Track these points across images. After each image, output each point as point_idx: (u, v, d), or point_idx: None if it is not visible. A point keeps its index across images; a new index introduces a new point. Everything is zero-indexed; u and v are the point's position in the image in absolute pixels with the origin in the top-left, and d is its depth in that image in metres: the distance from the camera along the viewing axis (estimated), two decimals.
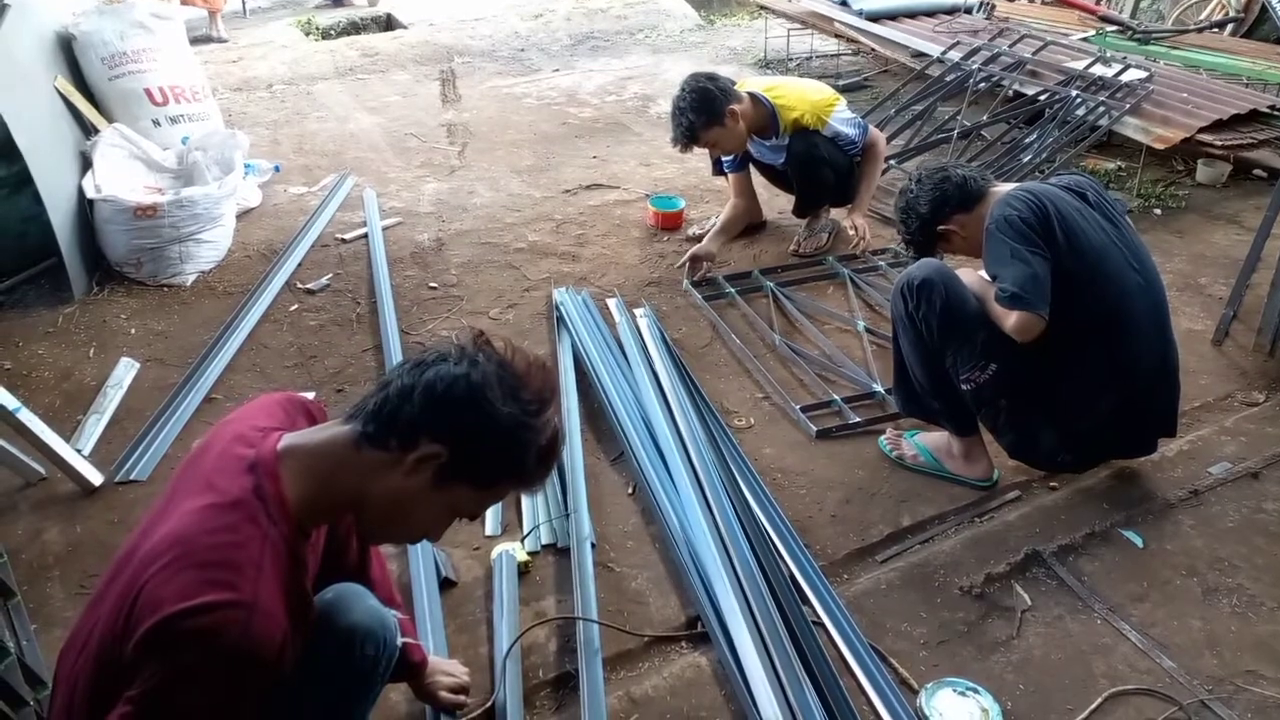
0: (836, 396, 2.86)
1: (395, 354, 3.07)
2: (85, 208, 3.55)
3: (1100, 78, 4.54)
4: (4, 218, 3.51)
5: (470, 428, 1.26)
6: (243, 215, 4.12)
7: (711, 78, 3.49)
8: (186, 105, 4.30)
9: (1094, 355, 2.28)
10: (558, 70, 6.50)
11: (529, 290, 3.58)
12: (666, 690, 1.94)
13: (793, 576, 2.20)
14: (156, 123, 4.19)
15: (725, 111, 3.44)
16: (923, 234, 2.43)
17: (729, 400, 2.91)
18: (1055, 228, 2.21)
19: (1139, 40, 5.49)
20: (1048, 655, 2.02)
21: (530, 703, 1.92)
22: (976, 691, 1.90)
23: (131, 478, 2.57)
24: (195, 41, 5.73)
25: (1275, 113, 4.24)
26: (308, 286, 3.59)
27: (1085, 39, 5.42)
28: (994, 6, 6.00)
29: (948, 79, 4.92)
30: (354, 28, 8.11)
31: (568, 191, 4.48)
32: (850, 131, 3.64)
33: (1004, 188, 2.37)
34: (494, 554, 2.26)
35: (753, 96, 3.56)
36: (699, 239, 3.82)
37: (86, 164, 3.69)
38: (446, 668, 1.88)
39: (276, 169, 4.64)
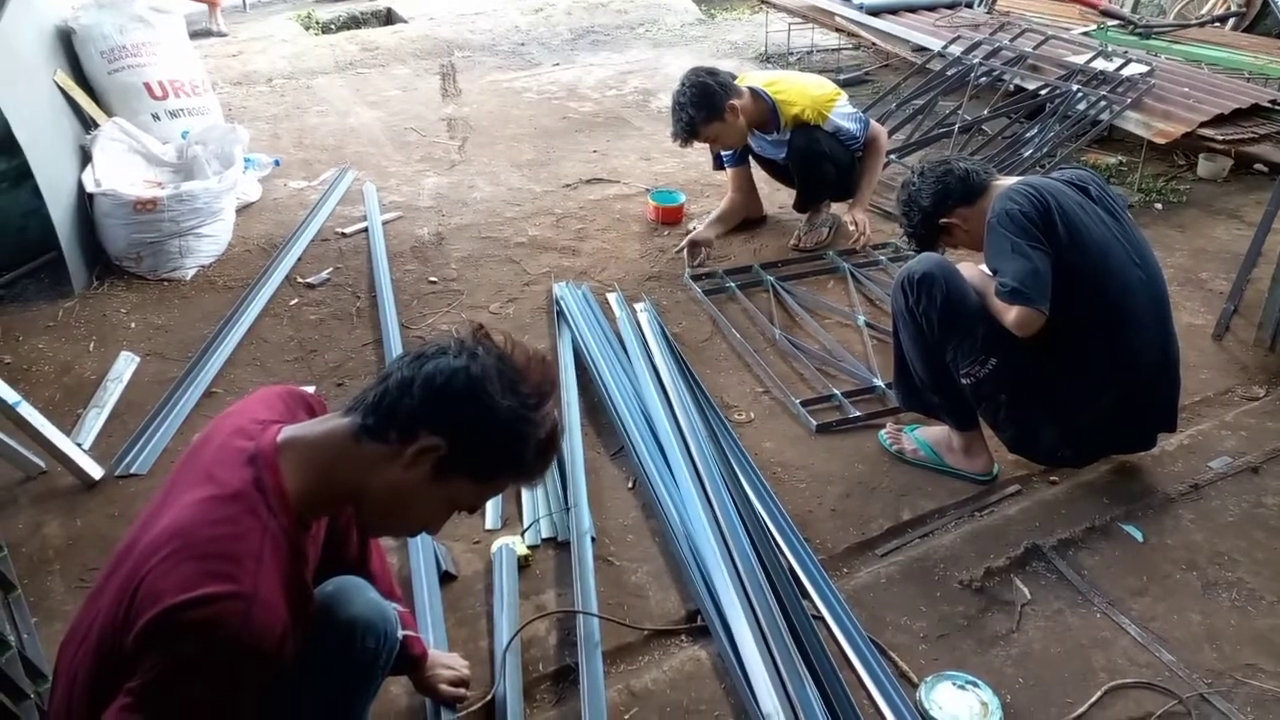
0: (837, 391, 2.86)
1: (395, 348, 3.07)
2: (85, 202, 3.55)
3: (1101, 72, 4.54)
4: (4, 212, 3.50)
5: (469, 421, 1.26)
6: (242, 209, 4.11)
7: (711, 72, 3.49)
8: (186, 99, 4.30)
9: (1095, 350, 2.28)
10: (558, 65, 6.49)
11: (529, 285, 3.57)
12: (666, 683, 1.94)
13: (792, 570, 2.20)
14: (156, 117, 4.18)
15: (725, 106, 3.44)
16: (924, 227, 2.43)
17: (729, 394, 2.91)
18: (1057, 222, 2.21)
19: (1140, 34, 5.48)
20: (1047, 649, 2.02)
21: (530, 696, 1.92)
22: (976, 685, 1.90)
23: (132, 471, 2.57)
24: (195, 35, 5.72)
25: (1276, 107, 4.24)
26: (308, 281, 3.59)
27: (1086, 33, 5.41)
28: (995, 1, 5.99)
29: (949, 73, 4.91)
30: (354, 22, 8.09)
31: (568, 186, 4.48)
32: (851, 126, 3.64)
33: (1006, 181, 2.37)
34: (494, 548, 2.26)
35: (753, 91, 3.55)
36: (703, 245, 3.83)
37: (86, 158, 3.68)
38: (446, 661, 1.88)
39: (276, 163, 4.64)
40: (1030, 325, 2.18)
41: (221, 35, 7.20)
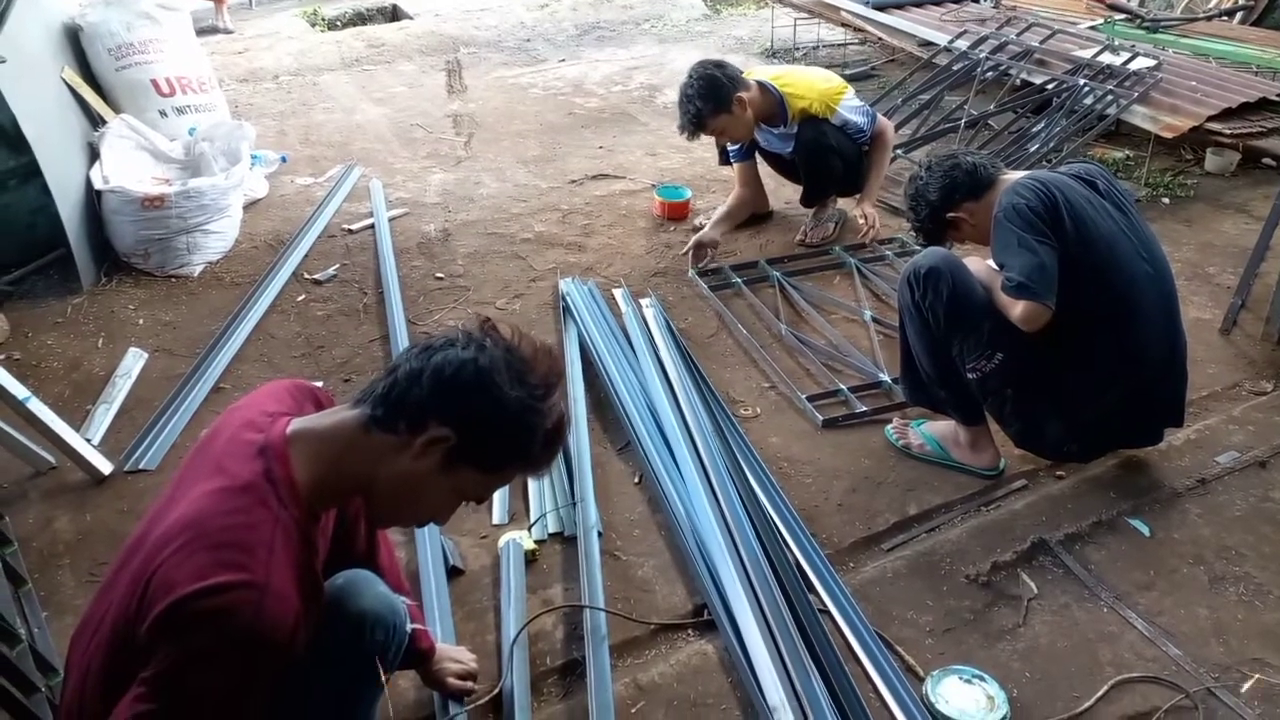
0: (843, 386, 2.86)
1: (402, 344, 3.08)
2: (93, 199, 3.56)
3: (1108, 66, 4.52)
4: (13, 209, 3.52)
5: (478, 411, 1.27)
6: (249, 206, 4.13)
7: (719, 65, 3.49)
8: (193, 96, 4.31)
9: (1101, 345, 2.28)
10: (564, 60, 6.49)
11: (535, 280, 3.58)
12: (673, 677, 1.95)
13: (799, 565, 2.20)
14: (163, 113, 4.19)
15: (733, 99, 3.43)
16: (932, 221, 2.42)
17: (735, 390, 2.91)
18: (1064, 216, 2.20)
19: (1147, 28, 5.46)
20: (1054, 643, 2.02)
21: (537, 689, 1.93)
22: (983, 679, 1.90)
23: (140, 467, 2.58)
24: (201, 33, 5.74)
25: None
26: (315, 277, 3.60)
27: (1093, 27, 5.39)
28: None
29: (955, 68, 4.90)
30: (360, 18, 8.09)
31: (574, 182, 4.48)
32: (859, 120, 3.64)
33: (1013, 175, 2.37)
34: (501, 542, 2.27)
35: (760, 85, 3.55)
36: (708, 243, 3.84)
37: (94, 155, 3.70)
38: (454, 654, 1.89)
39: (283, 160, 4.65)
40: (1036, 320, 2.18)
41: (228, 32, 7.21)
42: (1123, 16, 5.69)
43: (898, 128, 4.47)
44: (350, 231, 3.97)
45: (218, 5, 7.29)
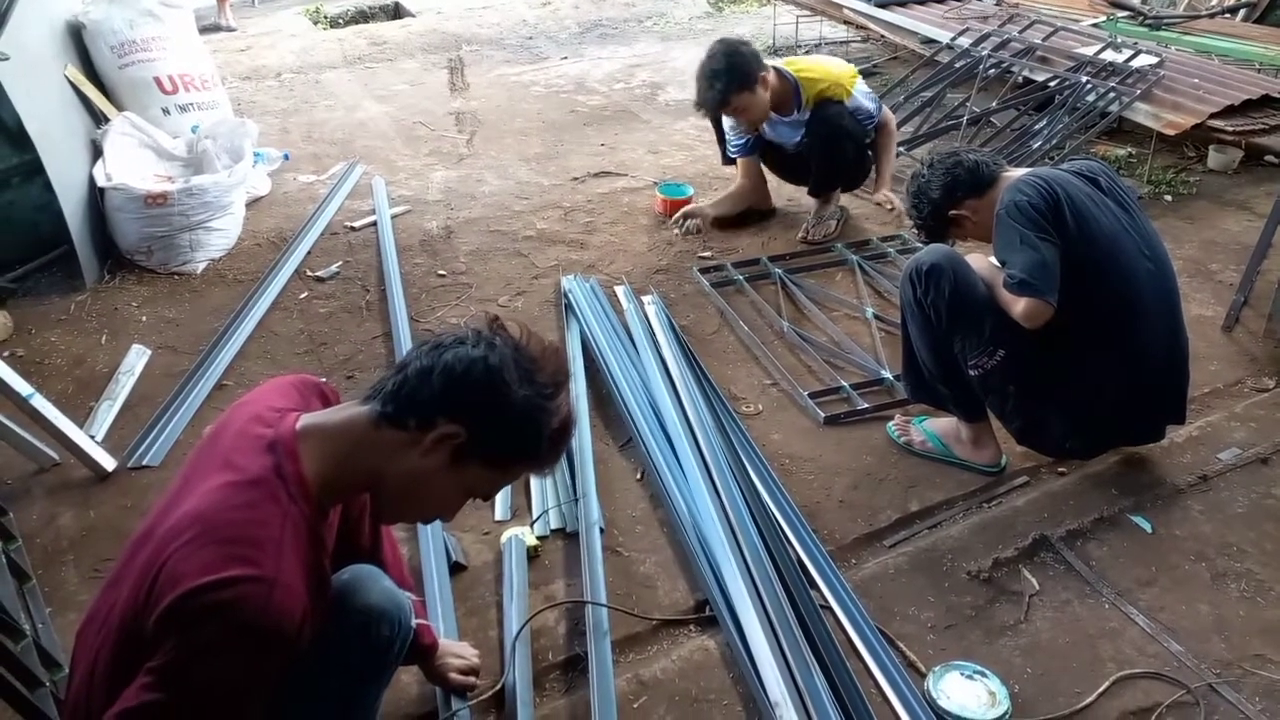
0: (845, 383, 2.86)
1: (405, 341, 3.09)
2: (96, 196, 3.57)
3: (1111, 63, 4.52)
4: (16, 206, 3.53)
5: (488, 409, 1.28)
6: (252, 203, 4.14)
7: (743, 42, 3.49)
8: (196, 94, 4.31)
9: (1103, 342, 2.28)
10: (566, 58, 6.49)
11: (537, 278, 3.58)
12: (675, 673, 1.95)
13: (800, 561, 2.20)
14: (166, 111, 4.20)
15: (757, 77, 3.43)
16: (934, 219, 2.42)
17: (737, 386, 2.92)
18: (1066, 213, 2.20)
19: (1150, 26, 5.45)
20: (1055, 639, 2.03)
21: (540, 684, 1.94)
22: (984, 675, 1.90)
23: (144, 463, 2.59)
24: (204, 30, 5.74)
25: None
26: (317, 274, 3.61)
27: (1096, 24, 5.38)
28: None
29: (957, 65, 4.90)
30: (362, 16, 8.10)
31: (576, 179, 4.48)
32: (869, 105, 3.69)
33: (1016, 173, 2.37)
34: (503, 538, 2.27)
35: (776, 70, 3.55)
36: (698, 227, 3.88)
37: (97, 152, 3.70)
38: (457, 650, 1.90)
39: (285, 157, 4.66)
40: (1038, 317, 2.18)
41: (230, 30, 7.22)
42: (1125, 14, 5.68)
43: (900, 125, 4.48)
44: (352, 229, 3.97)
45: (220, 3, 7.30)
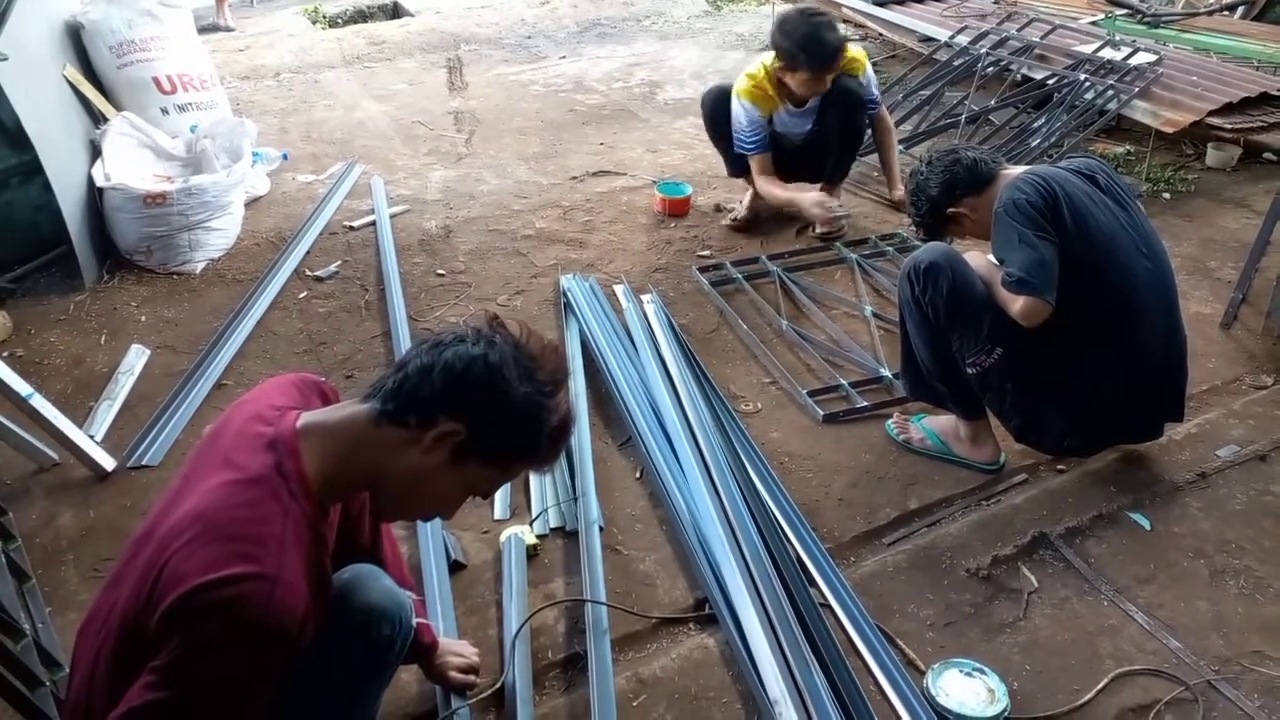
0: (843, 381, 2.86)
1: (404, 341, 3.09)
2: (95, 196, 3.57)
3: (1109, 61, 4.52)
4: (15, 206, 3.52)
5: (488, 407, 1.29)
6: (251, 203, 4.13)
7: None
8: (194, 94, 4.31)
9: (1101, 340, 2.28)
10: (564, 57, 6.49)
11: (536, 277, 3.58)
12: (675, 671, 1.96)
13: (800, 559, 2.21)
14: (165, 111, 4.19)
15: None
16: (932, 216, 2.42)
17: (736, 385, 2.92)
18: (1064, 211, 2.20)
19: (1148, 23, 5.45)
20: (1054, 636, 2.03)
21: (539, 683, 1.94)
22: (983, 672, 1.91)
23: (144, 463, 2.59)
24: (202, 30, 5.73)
25: None
26: (316, 274, 3.61)
27: (1094, 23, 5.39)
28: None
29: (956, 63, 4.90)
30: (361, 16, 8.09)
31: (575, 178, 4.48)
32: (875, 91, 3.73)
33: (1014, 170, 2.37)
34: (503, 537, 2.28)
35: None
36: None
37: (96, 152, 3.70)
38: (456, 648, 1.90)
39: (284, 157, 4.65)
40: (1036, 315, 2.18)
41: (229, 30, 7.21)
42: (1123, 11, 5.68)
43: (899, 123, 4.49)
44: (351, 228, 3.97)
45: (219, 3, 7.29)
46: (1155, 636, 2.01)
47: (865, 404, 2.78)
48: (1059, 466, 2.53)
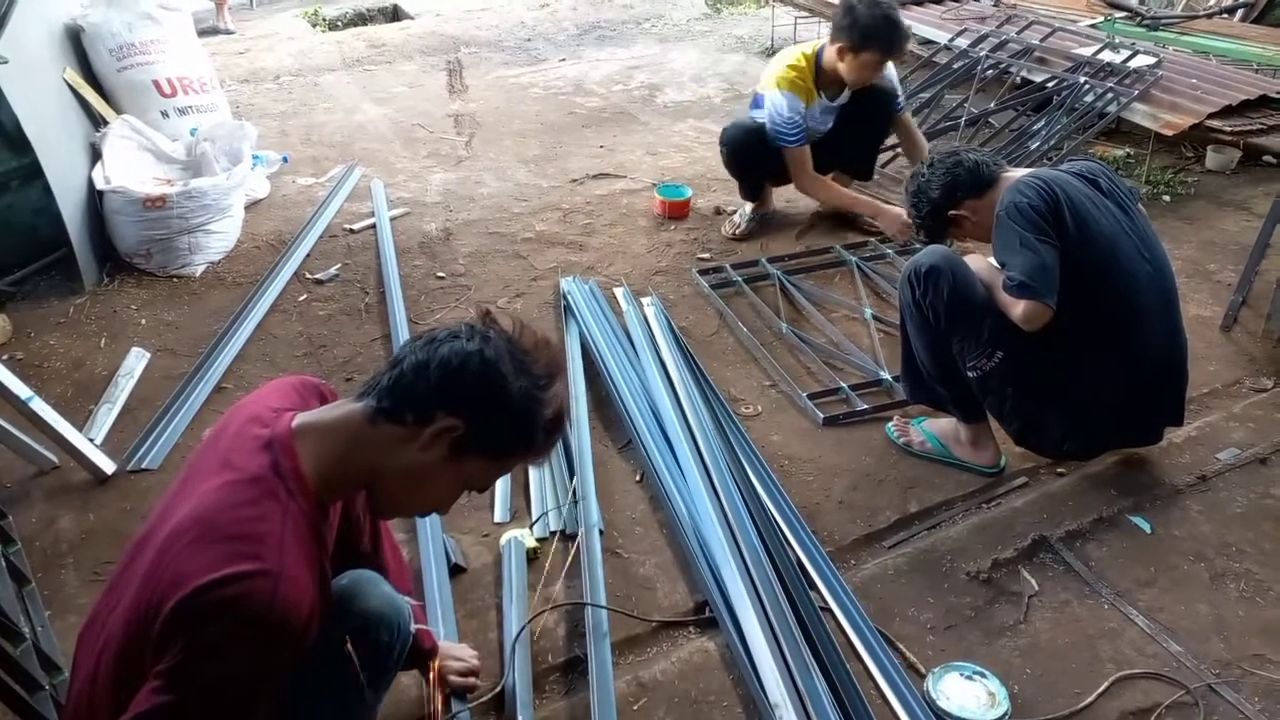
0: (844, 384, 2.86)
1: None
2: (95, 199, 3.57)
3: (1109, 64, 4.52)
4: (15, 209, 3.52)
5: (486, 401, 1.29)
6: (251, 206, 4.13)
7: None
8: (194, 97, 4.31)
9: (1102, 344, 2.28)
10: (564, 60, 6.49)
11: (536, 279, 3.58)
12: (675, 674, 1.96)
13: (800, 562, 2.21)
14: (165, 114, 4.20)
15: None
16: (933, 219, 2.42)
17: (736, 388, 2.92)
18: (1065, 215, 2.20)
19: (1148, 26, 5.45)
20: (1055, 640, 2.03)
21: (539, 687, 1.94)
22: (984, 675, 1.91)
23: (143, 466, 2.59)
24: (202, 33, 5.74)
25: None
26: (316, 277, 3.61)
27: (1093, 25, 5.39)
28: None
29: (955, 66, 4.90)
30: (360, 19, 8.10)
31: (575, 181, 4.48)
32: (898, 87, 3.75)
33: (1016, 173, 2.36)
34: (503, 540, 2.27)
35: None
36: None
37: (96, 155, 3.70)
38: (456, 652, 1.90)
39: (284, 160, 4.65)
40: (1037, 319, 2.18)
41: (229, 33, 7.22)
42: (1123, 14, 5.68)
43: None
44: (352, 231, 3.97)
45: (219, 6, 7.30)
46: (1156, 640, 2.01)
47: (865, 407, 2.78)
48: (1059, 470, 2.53)
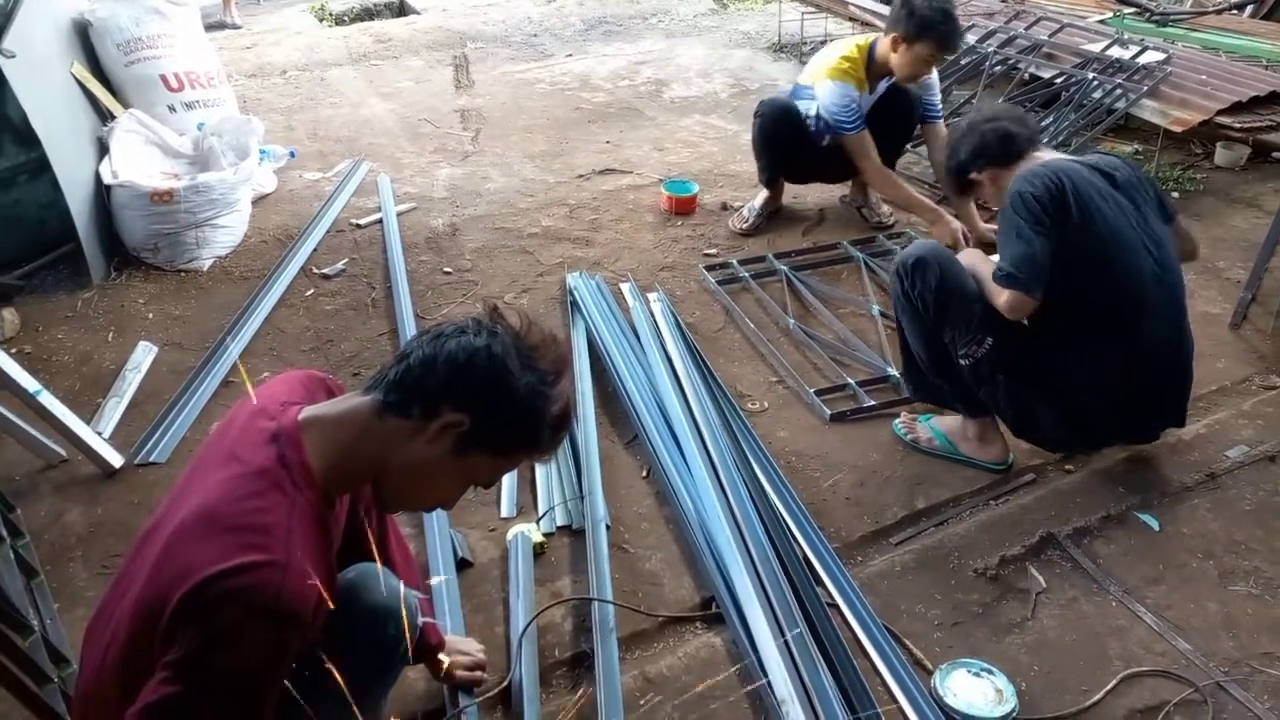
0: (851, 380, 2.86)
1: None
2: (103, 193, 3.57)
3: (1117, 60, 4.50)
4: (22, 204, 3.53)
5: (492, 397, 1.29)
6: (258, 201, 4.13)
7: None
8: (202, 91, 4.31)
9: (1097, 335, 2.28)
10: (571, 55, 6.48)
11: (543, 275, 3.58)
12: (681, 669, 1.96)
13: (806, 559, 2.20)
14: (172, 109, 4.20)
15: None
16: (957, 174, 2.49)
17: (743, 384, 2.92)
18: (1070, 205, 2.21)
19: (1157, 22, 5.43)
20: (1062, 637, 2.02)
21: (546, 681, 1.94)
22: (991, 672, 1.90)
23: (151, 460, 2.60)
24: (209, 28, 5.73)
25: None
26: (323, 271, 3.61)
27: (1102, 21, 5.37)
28: None
29: (963, 62, 4.89)
30: (367, 14, 8.09)
31: (581, 176, 4.48)
32: (938, 97, 3.73)
33: (1045, 154, 2.38)
34: (510, 535, 2.28)
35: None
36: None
37: (103, 150, 3.71)
38: (463, 646, 1.90)
39: (291, 155, 4.65)
40: (1020, 309, 2.22)
41: (236, 28, 7.22)
42: (1132, 10, 5.66)
43: None
44: (358, 226, 3.98)
45: (226, 1, 7.30)
46: (1164, 637, 2.01)
47: (872, 403, 2.77)
48: (1067, 466, 2.52)
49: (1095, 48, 4.67)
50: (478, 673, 1.88)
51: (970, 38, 4.98)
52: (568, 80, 5.95)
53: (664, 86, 5.79)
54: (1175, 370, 2.38)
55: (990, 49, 4.84)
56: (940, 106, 3.74)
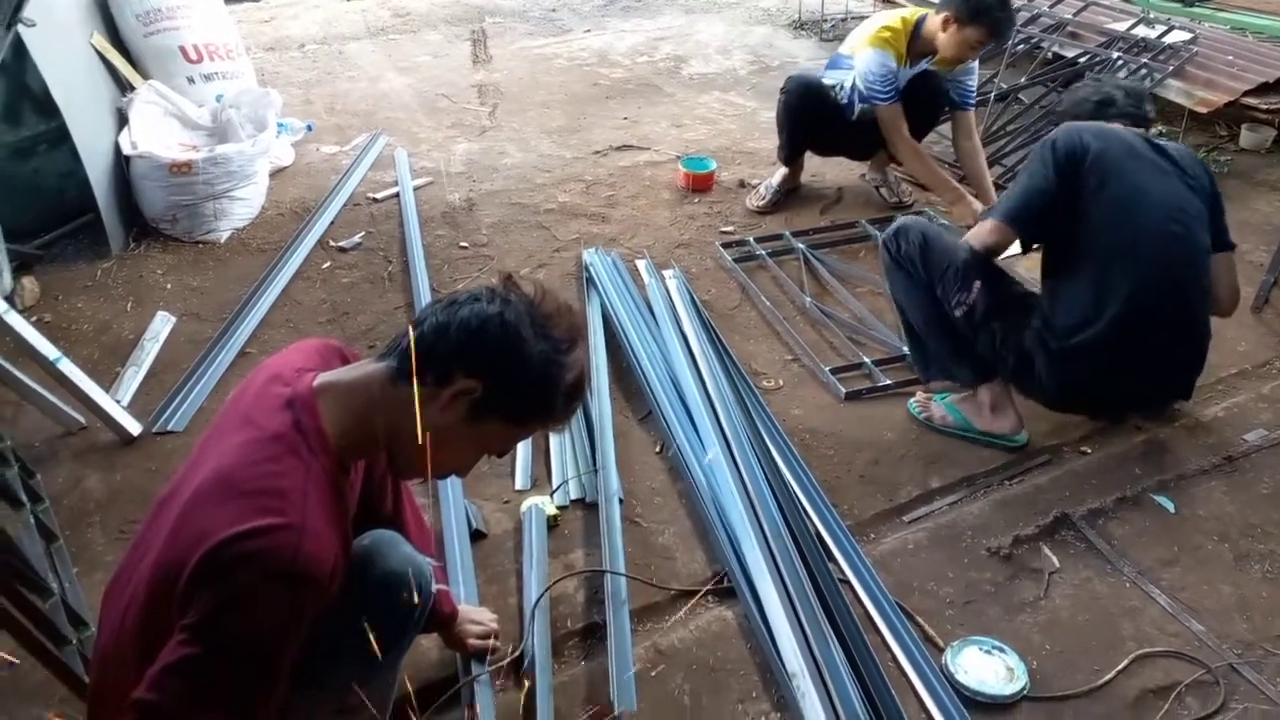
0: (866, 359, 2.85)
1: None
2: (122, 164, 3.59)
3: (1143, 39, 4.44)
4: (42, 173, 3.55)
5: (505, 364, 1.29)
6: (276, 173, 4.14)
7: None
8: (220, 63, 4.31)
9: (1087, 283, 2.27)
10: (589, 31, 6.45)
11: (559, 251, 3.58)
12: (692, 642, 1.96)
13: (819, 535, 2.20)
14: (191, 80, 4.20)
15: None
16: (1058, 120, 2.55)
17: (758, 361, 2.91)
18: (1084, 165, 2.27)
19: (1183, 2, 5.35)
20: (1075, 616, 2.02)
21: (558, 652, 1.95)
22: (1003, 650, 1.90)
23: (169, 428, 2.62)
24: (228, 1, 5.73)
25: None
26: (340, 244, 3.62)
27: (1128, 0, 5.29)
28: None
29: None
30: None
31: (598, 152, 4.46)
32: (973, 87, 3.69)
33: (1115, 127, 2.40)
34: (523, 507, 2.28)
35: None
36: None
37: (123, 120, 3.71)
38: (476, 616, 1.91)
39: (309, 128, 4.66)
40: (994, 233, 2.32)
41: (254, 0, 7.21)
42: None
43: None
44: (375, 200, 3.98)
45: None
46: (1177, 619, 2.00)
47: (888, 382, 2.76)
48: (1083, 448, 2.51)
49: (1120, 26, 4.61)
50: (490, 641, 1.89)
51: None
52: (586, 56, 5.92)
53: (683, 63, 5.76)
54: (1181, 342, 2.34)
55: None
56: (975, 94, 3.67)
